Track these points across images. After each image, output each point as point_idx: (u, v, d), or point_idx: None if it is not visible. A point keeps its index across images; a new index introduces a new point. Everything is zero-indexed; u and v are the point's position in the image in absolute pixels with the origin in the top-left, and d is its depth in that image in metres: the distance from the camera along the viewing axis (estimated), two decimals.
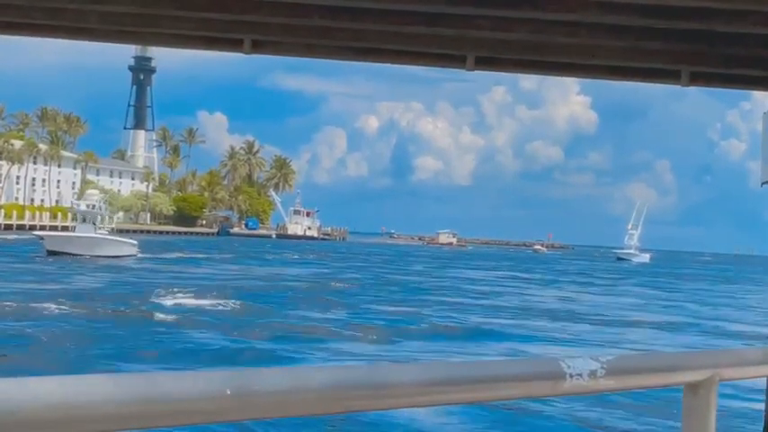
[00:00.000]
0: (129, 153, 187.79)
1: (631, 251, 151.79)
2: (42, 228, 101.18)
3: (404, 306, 41.53)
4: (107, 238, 75.91)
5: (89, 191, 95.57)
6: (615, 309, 46.72)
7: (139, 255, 74.05)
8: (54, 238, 74.38)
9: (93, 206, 78.75)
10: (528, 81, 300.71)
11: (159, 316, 32.17)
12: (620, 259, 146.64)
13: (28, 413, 1.32)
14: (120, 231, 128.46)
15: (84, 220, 76.39)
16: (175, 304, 36.22)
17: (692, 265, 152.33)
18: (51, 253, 67.77)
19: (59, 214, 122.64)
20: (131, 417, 1.43)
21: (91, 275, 51.56)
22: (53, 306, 32.51)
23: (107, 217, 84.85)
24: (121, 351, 23.77)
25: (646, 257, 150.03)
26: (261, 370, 1.63)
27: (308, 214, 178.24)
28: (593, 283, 75.27)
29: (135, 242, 77.73)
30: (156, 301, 37.18)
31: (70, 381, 1.39)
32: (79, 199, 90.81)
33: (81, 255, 67.98)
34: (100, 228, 77.11)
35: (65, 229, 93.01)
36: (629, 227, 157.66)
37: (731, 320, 43.13)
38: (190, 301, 37.51)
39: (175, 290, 41.30)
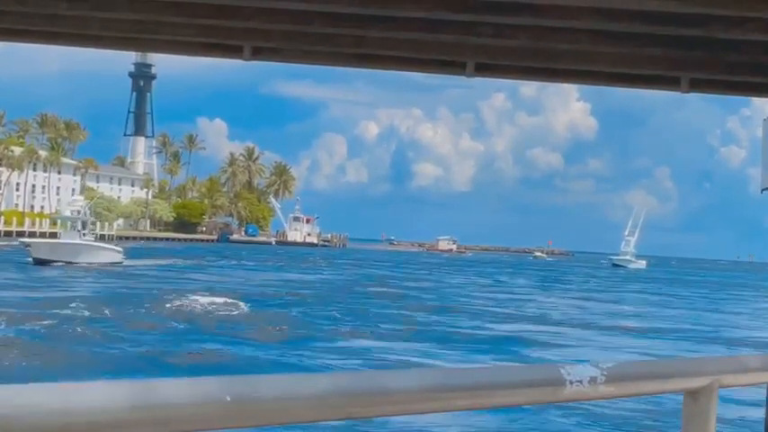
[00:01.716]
0: (129, 160, 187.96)
1: (627, 257, 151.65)
2: (42, 235, 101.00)
3: (410, 311, 41.56)
4: (93, 245, 75.50)
5: (74, 197, 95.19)
6: (611, 315, 46.69)
7: (125, 262, 73.63)
8: (40, 245, 73.76)
9: (78, 212, 78.35)
10: (528, 88, 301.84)
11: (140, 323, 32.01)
12: (615, 266, 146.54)
13: (26, 420, 1.31)
14: (120, 238, 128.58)
15: (68, 227, 76.06)
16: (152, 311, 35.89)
17: (689, 271, 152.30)
18: (38, 261, 67.26)
19: (59, 221, 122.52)
20: (130, 424, 1.42)
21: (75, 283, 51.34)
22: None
23: (90, 223, 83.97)
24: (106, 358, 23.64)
25: (642, 264, 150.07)
26: (261, 377, 1.63)
27: (307, 221, 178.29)
28: (590, 288, 75.24)
29: (120, 249, 77.36)
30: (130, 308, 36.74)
31: (69, 388, 1.38)
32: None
33: (66, 262, 67.53)
34: (85, 234, 76.66)
35: None
36: (626, 233, 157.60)
37: (730, 327, 43.11)
38: (168, 308, 37.14)
39: (153, 297, 40.95)
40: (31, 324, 29.82)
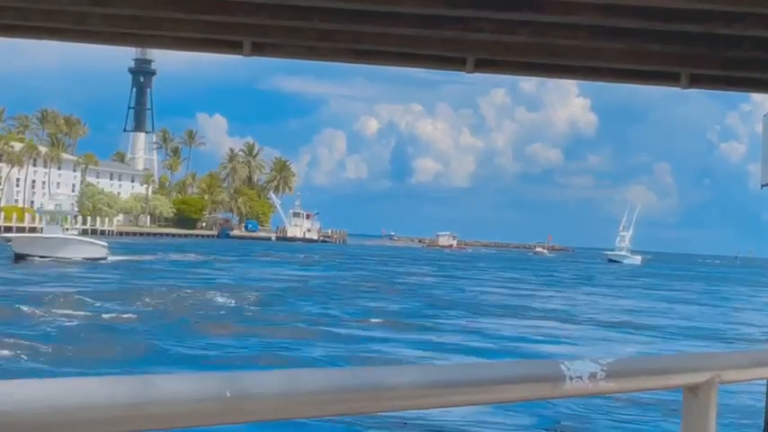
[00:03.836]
0: (129, 155, 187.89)
1: (622, 253, 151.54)
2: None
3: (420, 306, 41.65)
4: (76, 239, 74.50)
5: (55, 191, 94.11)
6: (607, 311, 46.68)
7: (110, 258, 72.65)
8: (22, 239, 72.55)
9: (59, 205, 77.41)
10: (527, 83, 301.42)
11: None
12: (611, 261, 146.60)
13: (26, 415, 1.31)
14: (120, 234, 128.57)
15: (50, 221, 75.30)
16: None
17: (684, 266, 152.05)
18: (19, 256, 66.47)
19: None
20: (129, 419, 1.42)
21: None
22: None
23: (73, 217, 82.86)
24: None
25: (637, 259, 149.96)
26: (260, 372, 1.63)
27: (307, 216, 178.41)
28: (587, 284, 75.36)
29: (105, 244, 76.01)
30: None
31: (68, 383, 1.38)
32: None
33: (47, 257, 66.52)
34: (68, 229, 75.78)
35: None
36: (621, 228, 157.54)
37: (726, 322, 43.17)
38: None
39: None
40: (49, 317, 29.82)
